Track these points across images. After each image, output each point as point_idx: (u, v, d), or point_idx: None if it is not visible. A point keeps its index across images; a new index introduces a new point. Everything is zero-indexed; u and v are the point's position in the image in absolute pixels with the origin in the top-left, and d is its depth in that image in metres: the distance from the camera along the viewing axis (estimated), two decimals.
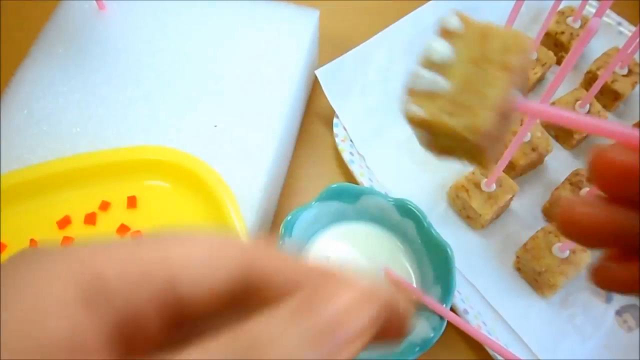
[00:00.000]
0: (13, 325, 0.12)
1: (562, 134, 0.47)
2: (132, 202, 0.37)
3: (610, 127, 0.17)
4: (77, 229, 0.36)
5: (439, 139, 0.18)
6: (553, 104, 0.46)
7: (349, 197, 0.38)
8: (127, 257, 0.14)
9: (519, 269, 0.41)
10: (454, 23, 0.17)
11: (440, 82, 0.16)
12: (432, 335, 0.33)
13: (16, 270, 0.13)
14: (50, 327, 0.12)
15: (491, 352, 0.37)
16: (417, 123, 0.17)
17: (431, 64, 0.17)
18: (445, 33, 0.17)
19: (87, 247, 0.14)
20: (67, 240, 0.36)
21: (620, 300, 0.41)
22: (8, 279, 0.13)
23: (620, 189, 0.17)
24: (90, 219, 0.37)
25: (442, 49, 0.17)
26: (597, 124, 0.17)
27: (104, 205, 0.37)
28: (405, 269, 0.39)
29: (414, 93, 0.17)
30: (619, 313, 0.40)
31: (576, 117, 0.18)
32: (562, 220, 0.17)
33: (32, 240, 0.36)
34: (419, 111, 0.16)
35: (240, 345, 0.12)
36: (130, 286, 0.13)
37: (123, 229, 0.36)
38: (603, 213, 0.17)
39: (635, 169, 0.16)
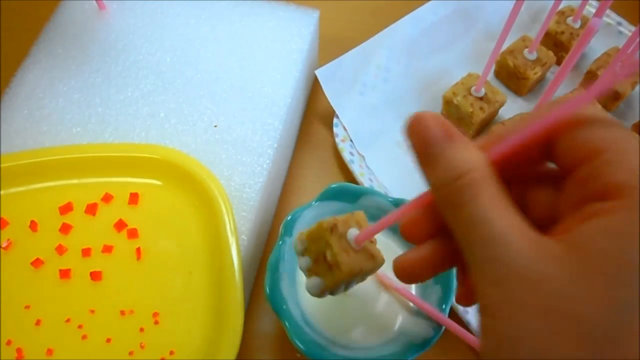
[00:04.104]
0: None
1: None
2: (134, 198, 0.37)
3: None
4: (77, 217, 0.37)
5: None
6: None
7: (349, 197, 0.38)
8: None
9: None
10: (299, 246, 0.29)
11: (305, 261, 0.28)
12: (432, 335, 0.33)
13: None
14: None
15: None
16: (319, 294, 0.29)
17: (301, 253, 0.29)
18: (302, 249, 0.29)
19: None
20: (66, 227, 0.36)
21: None
22: None
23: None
24: (92, 209, 0.37)
25: (299, 246, 0.29)
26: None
27: (107, 198, 0.37)
28: None
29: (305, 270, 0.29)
30: None
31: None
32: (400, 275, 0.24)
33: (32, 222, 0.36)
34: (316, 281, 0.28)
35: None
36: None
37: (120, 224, 0.36)
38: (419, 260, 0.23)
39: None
